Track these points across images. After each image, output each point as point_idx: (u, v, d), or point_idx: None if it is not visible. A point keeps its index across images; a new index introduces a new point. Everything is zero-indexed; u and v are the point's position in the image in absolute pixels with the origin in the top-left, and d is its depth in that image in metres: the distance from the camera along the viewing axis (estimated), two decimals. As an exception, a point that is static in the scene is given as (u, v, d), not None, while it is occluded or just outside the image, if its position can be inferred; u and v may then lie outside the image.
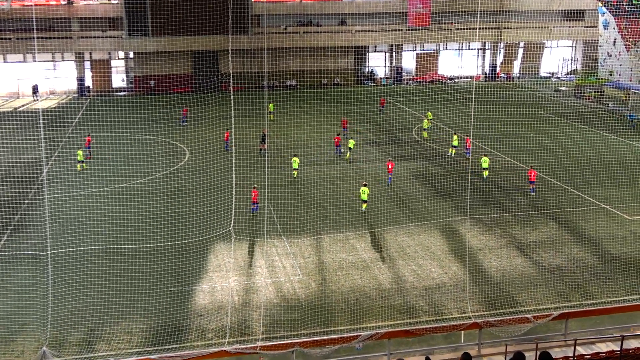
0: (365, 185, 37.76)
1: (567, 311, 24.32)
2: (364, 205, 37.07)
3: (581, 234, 33.60)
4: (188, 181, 41.12)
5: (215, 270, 29.20)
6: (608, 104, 69.96)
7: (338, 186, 41.45)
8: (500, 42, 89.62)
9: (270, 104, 65.66)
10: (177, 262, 29.58)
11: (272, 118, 63.07)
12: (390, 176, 42.40)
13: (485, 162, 42.96)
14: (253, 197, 36.62)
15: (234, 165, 32.78)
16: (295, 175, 43.10)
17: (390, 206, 37.73)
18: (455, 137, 48.31)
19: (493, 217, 35.93)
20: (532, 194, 39.71)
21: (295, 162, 43.25)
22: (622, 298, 26.64)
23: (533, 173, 40.05)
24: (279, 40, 77.84)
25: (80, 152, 45.03)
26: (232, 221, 33.15)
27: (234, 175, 32.44)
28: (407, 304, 26.29)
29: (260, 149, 48.20)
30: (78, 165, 44.45)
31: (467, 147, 48.28)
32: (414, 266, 29.69)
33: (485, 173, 42.76)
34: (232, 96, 32.98)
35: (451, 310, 25.80)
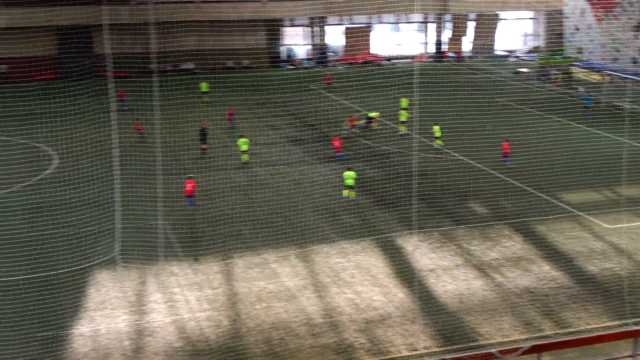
0: (349, 168, 40.96)
1: (539, 343, 25.04)
2: (352, 193, 40.49)
3: (552, 248, 34.77)
4: (58, 194, 40.13)
5: (97, 308, 28.69)
6: (577, 88, 72.68)
7: (251, 197, 41.46)
8: (446, 14, 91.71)
9: (203, 83, 67.43)
10: (46, 300, 28.84)
11: (207, 100, 65.45)
12: (341, 153, 47.78)
13: (437, 131, 49.94)
14: (188, 189, 38.88)
15: (117, 172, 32.33)
16: (244, 160, 47.17)
17: (318, 219, 38.01)
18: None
19: (446, 230, 36.71)
20: (508, 164, 46.43)
21: (245, 143, 47.12)
22: (604, 325, 27.70)
23: (506, 145, 46.73)
24: (170, 12, 77.13)
25: None
26: (118, 244, 32.64)
27: (117, 185, 31.98)
28: (344, 341, 26.53)
29: (203, 149, 48.97)
30: None
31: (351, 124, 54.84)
32: (351, 294, 29.99)
33: (439, 142, 50.25)
34: (111, 84, 32.51)
35: (399, 347, 26.21)
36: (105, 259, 32.43)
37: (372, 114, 56.47)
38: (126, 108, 58.91)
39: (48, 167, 46.09)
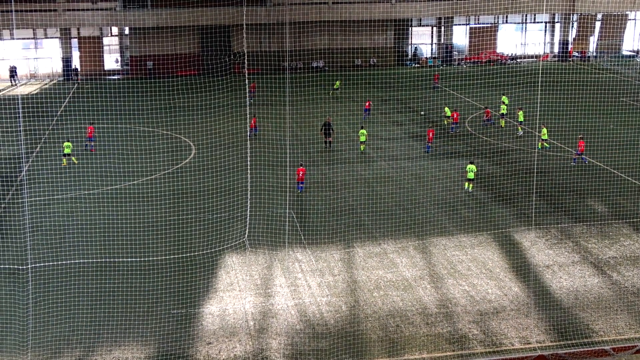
0: (472, 162, 41.09)
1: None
2: (470, 186, 40.68)
3: (673, 248, 33.28)
4: (194, 182, 41.48)
5: (226, 289, 29.44)
6: None
7: (375, 189, 41.52)
8: (573, 14, 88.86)
9: (337, 81, 69.01)
10: (180, 279, 29.87)
11: (332, 94, 67.16)
12: (429, 145, 48.82)
13: (544, 134, 48.51)
14: (300, 175, 40.05)
15: (248, 163, 33.08)
16: (362, 150, 48.46)
17: (437, 213, 37.69)
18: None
19: (564, 227, 35.71)
20: (574, 163, 45.30)
21: (363, 134, 48.67)
22: None
23: (582, 143, 45.46)
24: (303, 12, 78.10)
25: (68, 144, 45.82)
26: (247, 230, 33.42)
27: (249, 175, 32.73)
28: (458, 332, 26.26)
29: (326, 142, 50.12)
30: (64, 160, 45.39)
31: (487, 117, 56.09)
32: (467, 286, 29.63)
33: (543, 144, 48.61)
34: (247, 80, 33.20)
35: (512, 340, 25.72)
36: (235, 243, 33.19)
37: (503, 109, 55.78)
38: (252, 101, 60.60)
39: (187, 157, 47.52)
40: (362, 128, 49.39)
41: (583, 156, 45.59)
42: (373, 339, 25.79)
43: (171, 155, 47.31)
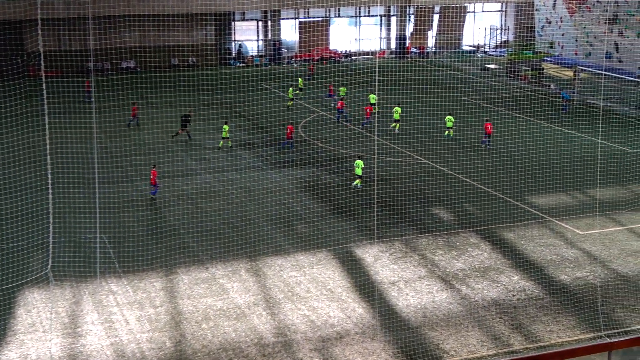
0: (360, 157, 44.40)
1: (507, 359, 25.23)
2: (358, 182, 43.52)
3: (522, 256, 35.00)
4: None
5: (27, 331, 28.28)
6: (549, 85, 73.56)
7: (199, 206, 41.26)
8: (409, 6, 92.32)
9: (300, 79, 70.93)
10: (-30, 322, 28.45)
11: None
12: (287, 141, 52.34)
13: (450, 121, 53.85)
14: (152, 178, 41.91)
15: (49, 180, 31.92)
16: (221, 145, 52.33)
17: (271, 230, 37.91)
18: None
19: (408, 239, 36.81)
20: (483, 145, 51.61)
21: (225, 130, 52.29)
22: (576, 338, 27.96)
23: (489, 126, 51.80)
24: (109, 5, 76.62)
25: None
26: (50, 260, 32.20)
27: (50, 195, 31.53)
28: (298, 362, 26.48)
29: (177, 133, 53.68)
30: None
31: (339, 108, 59.83)
32: (306, 310, 29.93)
33: (450, 132, 53.89)
34: (44, 84, 32.10)
35: (358, 367, 26.20)
36: (36, 276, 31.96)
37: (372, 100, 59.59)
38: (90, 101, 61.08)
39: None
40: (225, 123, 52.75)
41: (484, 139, 51.81)
42: (203, 377, 25.59)
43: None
